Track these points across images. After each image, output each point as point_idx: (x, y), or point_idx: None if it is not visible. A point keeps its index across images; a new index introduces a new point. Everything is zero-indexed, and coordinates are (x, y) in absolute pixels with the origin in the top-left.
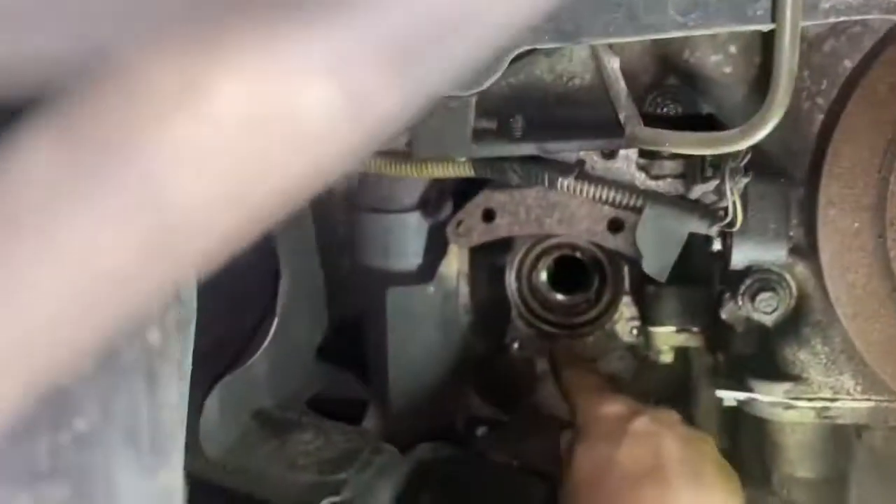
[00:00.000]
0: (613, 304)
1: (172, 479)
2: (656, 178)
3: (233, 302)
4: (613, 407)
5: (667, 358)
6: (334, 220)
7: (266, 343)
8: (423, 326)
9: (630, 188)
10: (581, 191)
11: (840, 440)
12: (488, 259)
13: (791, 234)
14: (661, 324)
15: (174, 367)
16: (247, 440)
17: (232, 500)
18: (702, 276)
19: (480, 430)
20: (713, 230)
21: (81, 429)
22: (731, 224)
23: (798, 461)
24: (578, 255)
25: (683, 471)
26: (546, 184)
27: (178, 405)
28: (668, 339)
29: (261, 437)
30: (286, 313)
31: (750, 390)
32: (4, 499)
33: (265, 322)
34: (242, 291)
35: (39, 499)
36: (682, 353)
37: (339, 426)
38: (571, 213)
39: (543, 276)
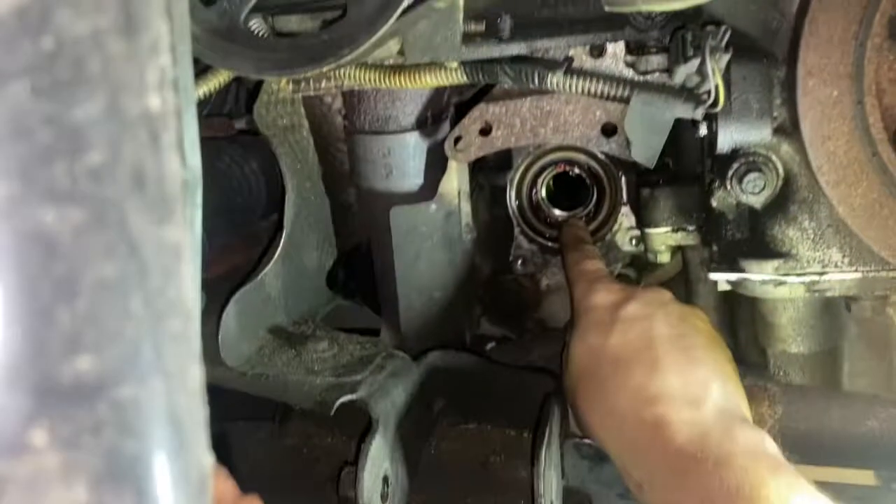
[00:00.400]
0: (612, 215)
1: (179, 236)
2: (644, 73)
3: (247, 236)
4: (604, 296)
5: (664, 258)
6: (336, 150)
7: (276, 255)
8: (428, 245)
9: (617, 79)
10: (570, 86)
11: (831, 314)
12: (488, 179)
13: (775, 114)
14: (657, 225)
15: (174, 143)
16: (264, 351)
17: (253, 404)
18: (694, 176)
19: (489, 346)
20: (698, 113)
21: (94, 162)
22: (715, 104)
23: (791, 338)
24: (576, 170)
25: (672, 347)
26: (536, 82)
27: (180, 179)
28: (664, 239)
29: (277, 348)
30: (294, 232)
31: (741, 271)
32: (35, 208)
33: (275, 240)
34: (256, 226)
35: (61, 215)
36: (680, 254)
37: (352, 337)
38: (565, 120)
39: (543, 192)
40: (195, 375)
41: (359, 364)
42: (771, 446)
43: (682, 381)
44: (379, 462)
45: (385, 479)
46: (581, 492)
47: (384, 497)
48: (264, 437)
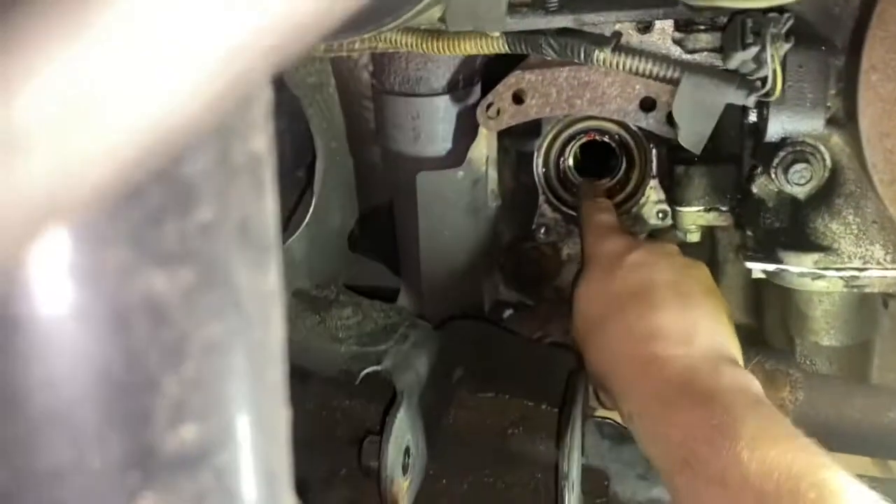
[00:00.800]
0: (640, 187)
1: (275, 283)
2: (692, 51)
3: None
4: (612, 245)
5: (694, 238)
6: (361, 107)
7: (305, 221)
8: (453, 211)
9: (667, 59)
10: (618, 63)
11: (866, 309)
12: (516, 145)
13: (829, 104)
14: (690, 204)
15: (271, 179)
16: (288, 316)
17: None
18: (731, 155)
19: (507, 313)
20: (751, 100)
21: (204, 218)
22: (770, 94)
23: (824, 331)
24: (606, 139)
25: (670, 292)
26: (582, 57)
27: (275, 218)
28: (696, 218)
29: (301, 314)
30: (322, 195)
31: (779, 262)
32: (145, 275)
33: (301, 205)
34: (282, 187)
35: (172, 277)
36: (708, 232)
37: (375, 304)
38: (603, 92)
39: (571, 161)
40: (284, 421)
41: (382, 333)
42: (755, 386)
43: (674, 321)
44: (402, 434)
45: (407, 450)
46: (601, 470)
47: (406, 468)
48: None
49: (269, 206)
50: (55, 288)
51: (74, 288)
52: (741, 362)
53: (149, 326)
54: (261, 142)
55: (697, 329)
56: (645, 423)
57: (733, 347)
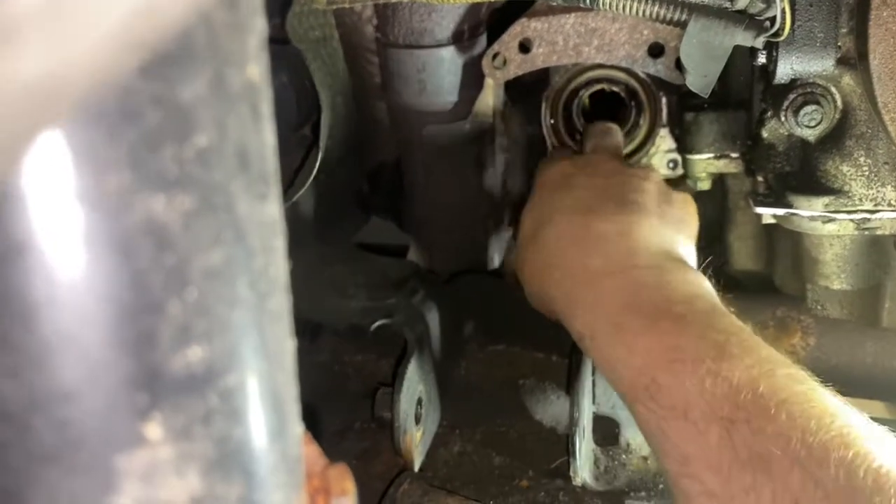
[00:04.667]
0: (650, 136)
1: (276, 213)
2: None
3: (279, 153)
4: (555, 169)
5: (704, 186)
6: (367, 62)
7: (312, 176)
8: (461, 165)
9: (675, 1)
10: (624, 7)
11: (877, 252)
12: (523, 96)
13: (839, 43)
14: (700, 151)
15: (268, 111)
16: (297, 272)
17: None
18: (741, 101)
19: None
20: (759, 41)
21: (201, 143)
22: (778, 34)
23: (835, 275)
24: (616, 88)
25: (600, 198)
26: (587, 1)
27: (274, 150)
28: (706, 166)
29: (311, 269)
30: (328, 150)
31: (790, 206)
32: (145, 198)
33: (307, 162)
34: (285, 141)
35: (171, 203)
36: (718, 180)
37: (384, 259)
38: (610, 39)
39: (580, 111)
40: (290, 351)
41: (392, 287)
42: (707, 289)
43: (610, 225)
44: (414, 384)
45: (419, 401)
46: (611, 418)
47: (418, 418)
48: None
49: (267, 137)
50: (59, 209)
51: (77, 209)
52: (692, 261)
53: (151, 250)
54: (256, 71)
55: (636, 230)
56: (599, 345)
57: (680, 245)
